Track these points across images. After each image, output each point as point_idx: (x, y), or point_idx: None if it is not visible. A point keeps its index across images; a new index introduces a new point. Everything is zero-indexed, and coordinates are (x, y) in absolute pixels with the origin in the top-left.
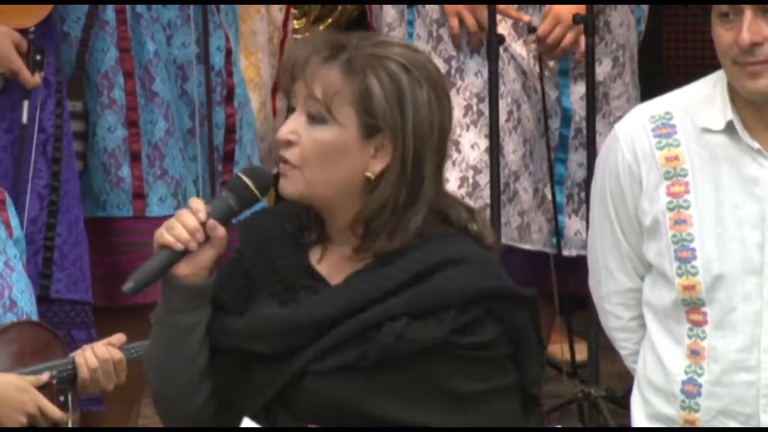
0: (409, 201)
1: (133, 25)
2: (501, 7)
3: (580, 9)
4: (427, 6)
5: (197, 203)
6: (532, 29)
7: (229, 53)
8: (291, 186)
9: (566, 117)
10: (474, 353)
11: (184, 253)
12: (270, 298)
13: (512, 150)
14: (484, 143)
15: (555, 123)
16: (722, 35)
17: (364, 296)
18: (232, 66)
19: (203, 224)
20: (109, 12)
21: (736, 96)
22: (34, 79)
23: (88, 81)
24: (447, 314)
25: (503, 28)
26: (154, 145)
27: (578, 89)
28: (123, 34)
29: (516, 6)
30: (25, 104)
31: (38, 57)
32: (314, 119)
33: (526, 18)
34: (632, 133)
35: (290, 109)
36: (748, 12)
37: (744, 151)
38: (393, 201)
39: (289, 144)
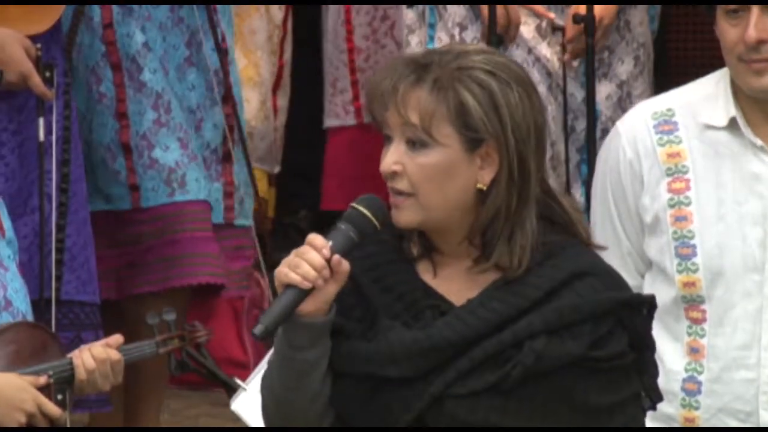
0: (520, 203)
1: (123, 16)
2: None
3: (605, 8)
4: (449, 9)
5: (319, 239)
6: (556, 28)
7: (225, 53)
8: (408, 215)
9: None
10: (608, 365)
11: (310, 291)
12: (392, 318)
13: None
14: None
15: (581, 124)
16: (728, 31)
17: (499, 316)
18: (229, 66)
19: (328, 260)
20: (95, 9)
21: (738, 93)
22: (45, 88)
23: (77, 77)
24: (583, 329)
25: (528, 30)
26: (143, 135)
27: (603, 89)
28: (108, 29)
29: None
30: (41, 121)
31: (47, 74)
32: (415, 145)
33: (551, 15)
34: (634, 129)
35: (387, 139)
36: (755, 9)
37: (746, 148)
38: (506, 206)
39: (395, 175)
